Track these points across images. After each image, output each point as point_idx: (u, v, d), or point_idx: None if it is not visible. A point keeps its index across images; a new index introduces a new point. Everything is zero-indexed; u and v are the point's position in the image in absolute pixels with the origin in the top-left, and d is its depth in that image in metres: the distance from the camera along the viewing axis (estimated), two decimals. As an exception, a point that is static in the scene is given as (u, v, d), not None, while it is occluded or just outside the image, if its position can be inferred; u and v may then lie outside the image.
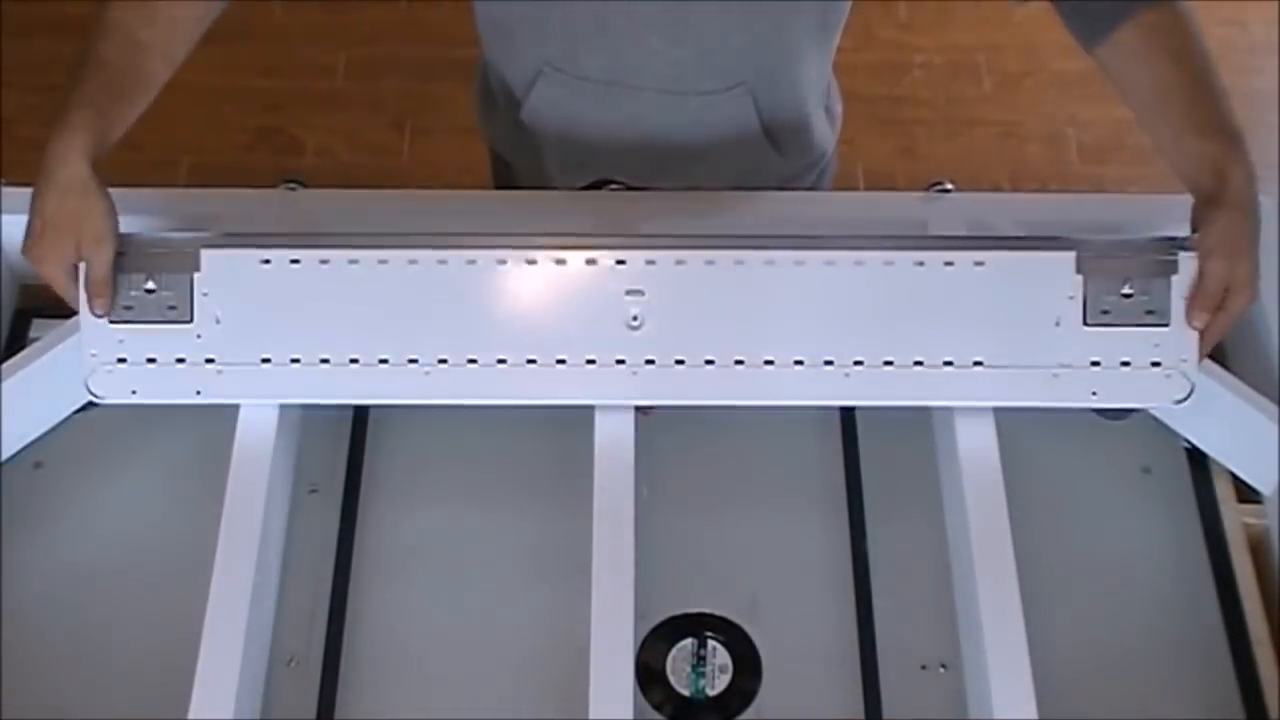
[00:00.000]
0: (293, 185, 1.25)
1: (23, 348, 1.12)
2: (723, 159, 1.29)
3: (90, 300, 1.06)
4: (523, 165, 1.38)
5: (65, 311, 1.12)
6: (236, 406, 1.10)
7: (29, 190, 1.16)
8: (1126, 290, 1.07)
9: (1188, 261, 1.07)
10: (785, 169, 1.33)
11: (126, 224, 1.15)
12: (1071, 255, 1.07)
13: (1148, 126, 1.11)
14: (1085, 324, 1.07)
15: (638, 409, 1.11)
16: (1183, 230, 1.09)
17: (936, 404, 1.11)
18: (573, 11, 1.20)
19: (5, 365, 1.10)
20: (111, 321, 1.07)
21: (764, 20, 1.20)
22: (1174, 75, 1.08)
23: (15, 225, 1.19)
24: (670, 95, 1.24)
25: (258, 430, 1.09)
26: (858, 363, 1.07)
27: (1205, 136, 1.06)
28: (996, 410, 1.10)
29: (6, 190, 1.20)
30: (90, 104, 1.05)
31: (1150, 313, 1.07)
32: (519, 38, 1.25)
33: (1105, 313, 1.07)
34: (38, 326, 1.19)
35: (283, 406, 1.10)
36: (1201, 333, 1.07)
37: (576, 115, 1.27)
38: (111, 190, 1.16)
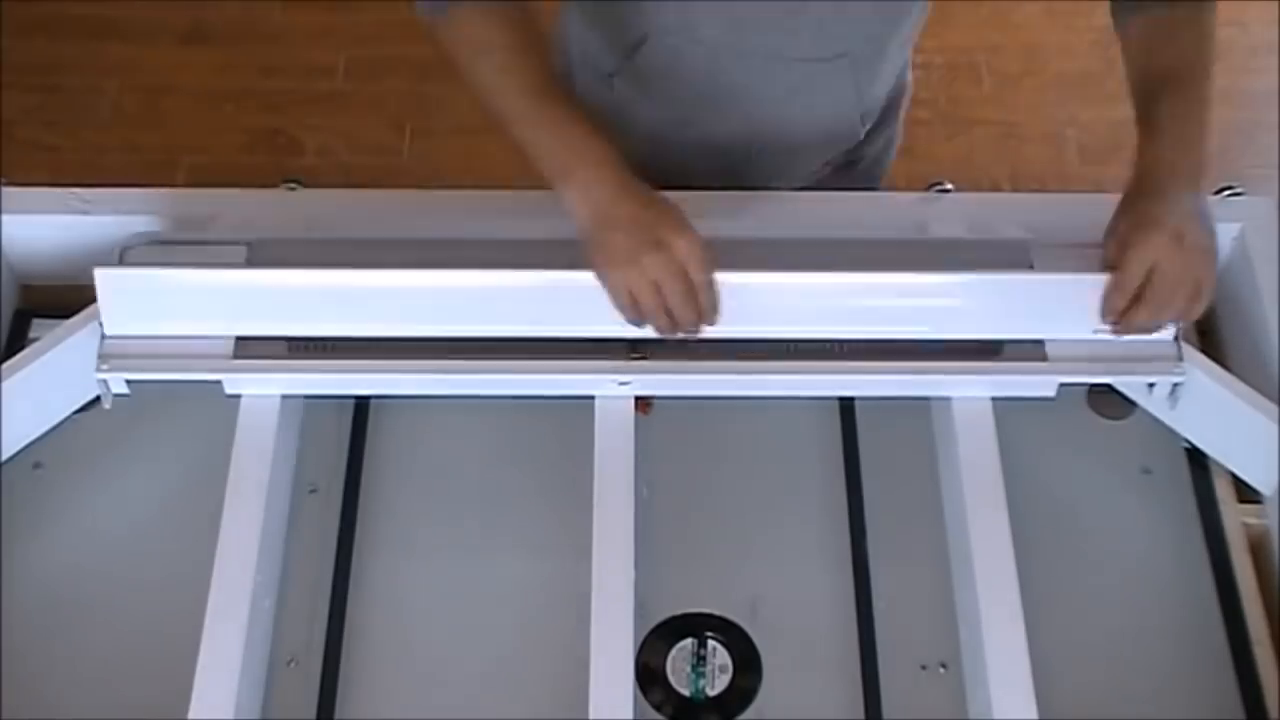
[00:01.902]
0: (293, 185, 1.25)
1: (23, 348, 1.12)
2: (813, 129, 1.28)
3: (705, 316, 1.02)
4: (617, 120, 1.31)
5: (65, 311, 1.12)
6: (237, 407, 1.10)
7: (28, 190, 1.16)
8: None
9: None
10: (863, 147, 1.35)
11: (127, 224, 1.15)
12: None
13: (1134, 104, 1.15)
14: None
15: (637, 405, 1.11)
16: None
17: (935, 393, 1.12)
18: None
19: (5, 365, 1.10)
20: None
21: None
22: (1177, 67, 1.12)
23: (15, 225, 1.19)
24: (778, 62, 1.22)
25: (258, 430, 1.09)
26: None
27: (1176, 148, 1.11)
28: (996, 406, 1.11)
29: (6, 190, 1.20)
30: (566, 122, 1.04)
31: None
32: (627, 3, 1.20)
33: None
34: (38, 326, 1.19)
35: (283, 407, 1.10)
36: (1117, 325, 1.08)
37: (679, 81, 1.24)
38: (112, 190, 1.16)
